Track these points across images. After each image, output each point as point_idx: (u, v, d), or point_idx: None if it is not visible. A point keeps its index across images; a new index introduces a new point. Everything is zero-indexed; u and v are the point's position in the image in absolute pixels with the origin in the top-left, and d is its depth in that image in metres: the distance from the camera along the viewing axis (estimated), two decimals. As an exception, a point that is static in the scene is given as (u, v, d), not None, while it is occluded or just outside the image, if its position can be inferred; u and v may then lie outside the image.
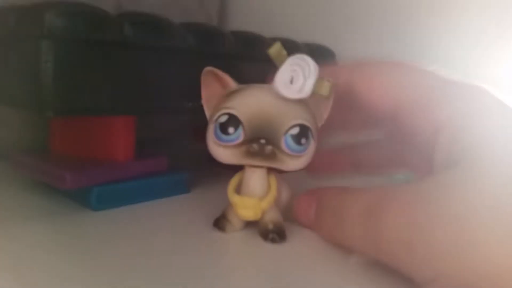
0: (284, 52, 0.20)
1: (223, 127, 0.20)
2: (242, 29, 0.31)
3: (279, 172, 0.24)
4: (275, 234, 0.21)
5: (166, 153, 0.29)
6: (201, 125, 0.22)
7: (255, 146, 0.20)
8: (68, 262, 0.18)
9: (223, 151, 0.21)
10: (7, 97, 0.25)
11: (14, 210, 0.25)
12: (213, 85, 0.22)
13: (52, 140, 0.29)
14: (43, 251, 0.19)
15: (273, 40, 0.23)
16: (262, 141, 0.20)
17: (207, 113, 0.22)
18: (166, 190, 0.28)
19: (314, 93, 0.20)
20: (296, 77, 0.19)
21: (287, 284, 0.18)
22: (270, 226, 0.21)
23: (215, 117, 0.20)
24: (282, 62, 0.20)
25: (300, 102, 0.20)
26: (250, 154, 0.20)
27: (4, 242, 0.20)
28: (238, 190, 0.22)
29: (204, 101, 0.22)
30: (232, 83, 0.21)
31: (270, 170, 0.22)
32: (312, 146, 0.21)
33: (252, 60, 0.29)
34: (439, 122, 0.18)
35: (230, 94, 0.21)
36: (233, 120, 0.20)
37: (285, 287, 0.18)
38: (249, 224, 0.23)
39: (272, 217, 0.22)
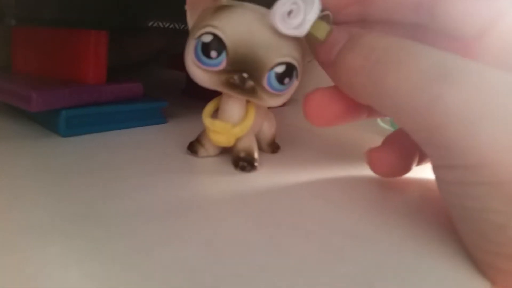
0: None
1: (206, 49, 0.18)
2: None
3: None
4: (245, 162, 0.21)
5: (141, 81, 0.27)
6: (178, 52, 0.20)
7: (236, 78, 0.18)
8: (32, 190, 0.17)
9: (201, 74, 0.19)
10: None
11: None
12: None
13: (15, 58, 0.27)
14: (5, 178, 0.18)
15: None
16: (245, 75, 0.18)
17: (190, 21, 0.20)
18: (141, 119, 0.27)
19: (308, 34, 0.18)
20: (296, 11, 0.17)
21: (252, 211, 0.17)
22: (242, 154, 0.21)
23: (198, 33, 0.18)
24: None
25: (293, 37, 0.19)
26: (230, 84, 0.18)
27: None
28: (215, 115, 0.21)
29: (188, 6, 0.19)
30: None
31: None
32: (294, 85, 0.20)
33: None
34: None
35: (220, 9, 0.18)
36: (218, 43, 0.18)
37: (249, 215, 0.17)
38: (226, 151, 0.22)
39: (245, 145, 0.21)
